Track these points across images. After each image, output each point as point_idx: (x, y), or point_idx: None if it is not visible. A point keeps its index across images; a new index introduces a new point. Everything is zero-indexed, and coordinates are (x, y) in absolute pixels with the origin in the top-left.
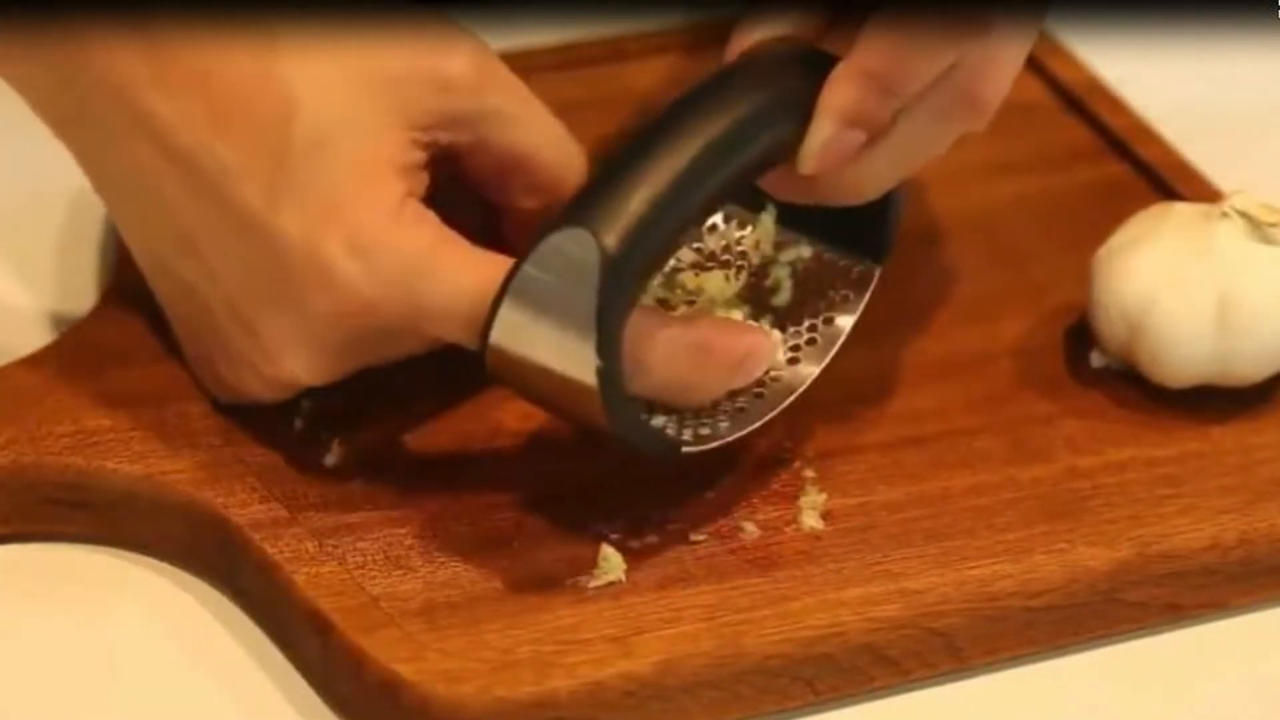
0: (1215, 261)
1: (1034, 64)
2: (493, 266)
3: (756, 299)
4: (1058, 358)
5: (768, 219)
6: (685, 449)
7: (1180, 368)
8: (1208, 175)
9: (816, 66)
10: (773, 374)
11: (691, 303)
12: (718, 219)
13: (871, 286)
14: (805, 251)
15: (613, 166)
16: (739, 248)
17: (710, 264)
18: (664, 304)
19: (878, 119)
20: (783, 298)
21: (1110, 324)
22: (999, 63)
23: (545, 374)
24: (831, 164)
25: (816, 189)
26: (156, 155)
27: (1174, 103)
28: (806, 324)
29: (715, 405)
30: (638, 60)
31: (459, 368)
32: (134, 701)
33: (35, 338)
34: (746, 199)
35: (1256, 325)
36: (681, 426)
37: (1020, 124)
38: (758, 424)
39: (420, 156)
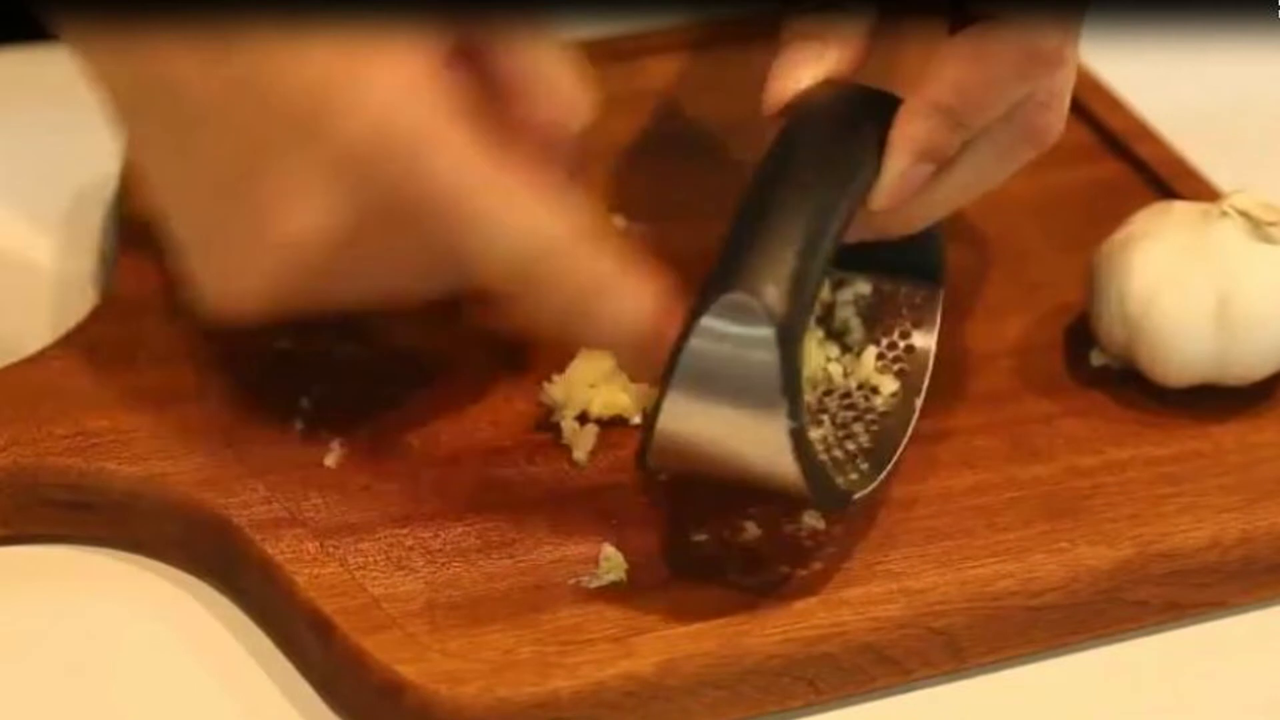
0: (1215, 261)
1: None
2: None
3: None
4: (1057, 357)
5: None
6: (855, 496)
7: (1180, 367)
8: (1206, 175)
9: (880, 106)
10: (879, 409)
11: None
12: None
13: (939, 307)
14: (864, 288)
15: (744, 232)
16: None
17: None
18: None
19: (948, 152)
20: (855, 336)
21: (1110, 323)
22: (1063, 96)
23: (721, 447)
24: (902, 198)
25: (875, 223)
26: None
27: (1173, 102)
28: (889, 357)
29: (843, 461)
30: (638, 60)
31: (459, 367)
32: (135, 703)
33: (35, 338)
34: None
35: (1256, 324)
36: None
37: None
38: (894, 460)
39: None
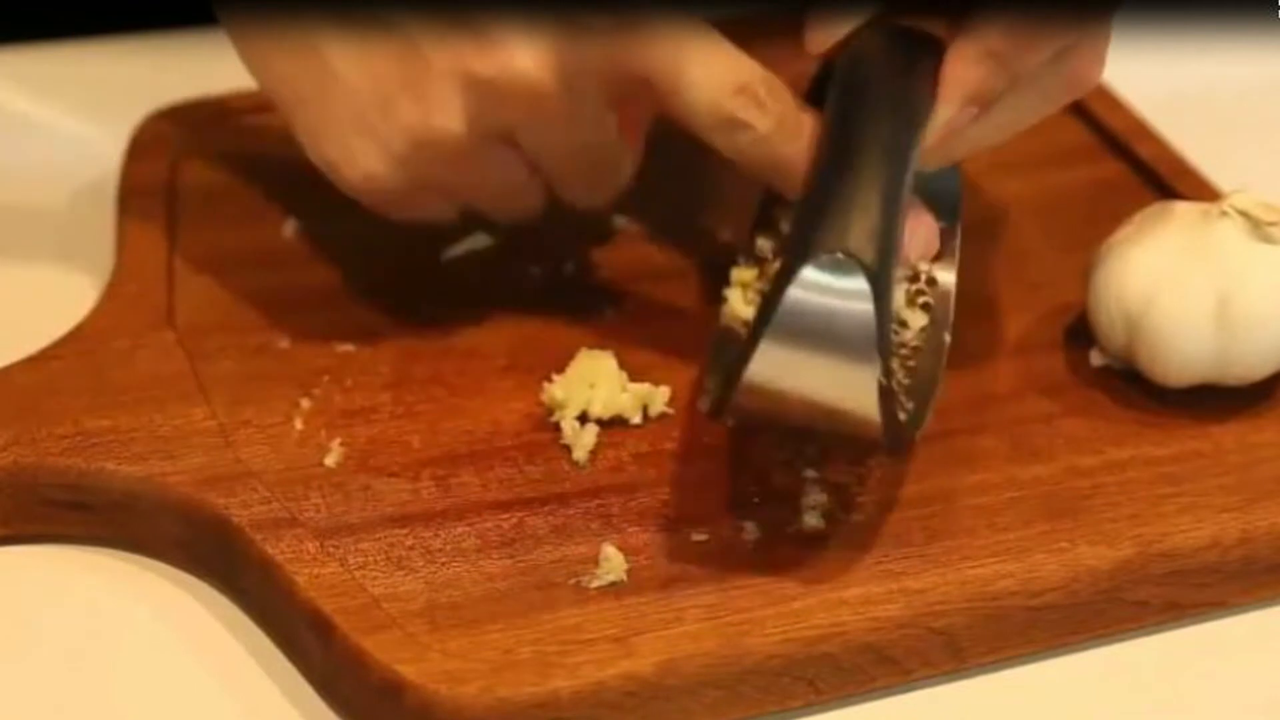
0: (1215, 261)
1: None
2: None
3: None
4: (1057, 357)
5: None
6: (916, 434)
7: (1180, 367)
8: (1206, 174)
9: (926, 45)
10: (911, 344)
11: None
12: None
13: (958, 241)
14: None
15: (827, 186)
16: None
17: None
18: None
19: (996, 95)
20: None
21: (1110, 323)
22: (1106, 42)
23: (803, 395)
24: (948, 140)
25: (921, 155)
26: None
27: (1172, 102)
28: (911, 290)
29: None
30: None
31: (459, 368)
32: (136, 703)
33: (36, 338)
34: None
35: (1256, 324)
36: None
37: None
38: (936, 394)
39: None
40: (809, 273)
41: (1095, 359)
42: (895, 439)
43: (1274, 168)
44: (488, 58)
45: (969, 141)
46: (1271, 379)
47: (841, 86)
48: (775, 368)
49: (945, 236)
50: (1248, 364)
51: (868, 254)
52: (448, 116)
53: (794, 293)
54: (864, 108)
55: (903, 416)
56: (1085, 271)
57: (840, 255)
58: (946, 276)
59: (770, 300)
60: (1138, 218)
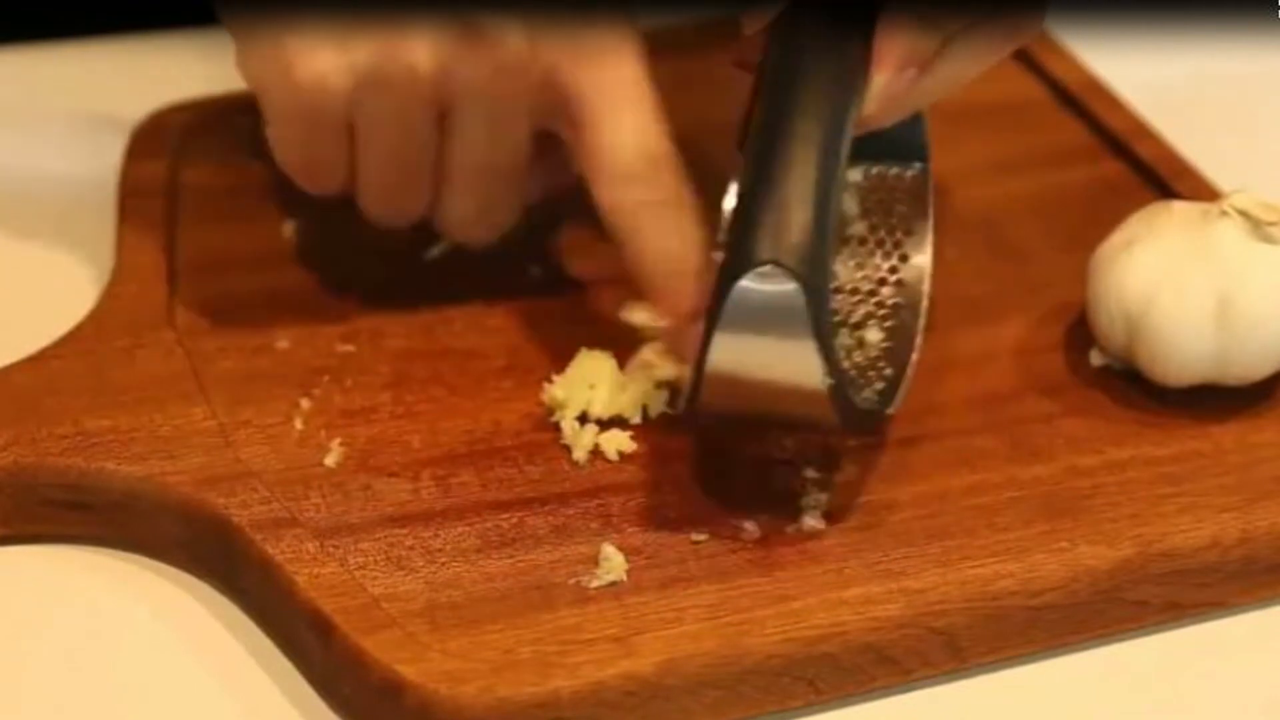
0: (1215, 260)
1: (1032, 63)
2: None
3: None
4: (1057, 357)
5: None
6: (888, 412)
7: (1180, 367)
8: (1206, 174)
9: (855, 16)
10: (889, 301)
11: None
12: None
13: (930, 183)
14: (855, 175)
15: (758, 191)
16: None
17: None
18: None
19: (929, 55)
20: (857, 227)
21: (1110, 323)
22: None
23: (763, 385)
24: (892, 104)
25: (861, 121)
26: None
27: (1172, 101)
28: (888, 243)
29: (865, 367)
30: None
31: (459, 368)
32: (135, 703)
33: (35, 338)
34: None
35: (1256, 324)
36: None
37: (1018, 123)
38: (913, 361)
39: None
40: (745, 286)
41: (1095, 359)
42: (858, 424)
43: (1274, 168)
44: (477, 26)
45: (915, 99)
46: (1271, 379)
47: (771, 65)
48: (731, 356)
49: (916, 181)
50: (1248, 364)
51: (796, 261)
52: (419, 51)
53: (730, 305)
54: (794, 100)
55: (880, 385)
56: (1085, 271)
57: (772, 267)
58: (921, 220)
59: (717, 296)
60: (1138, 217)
